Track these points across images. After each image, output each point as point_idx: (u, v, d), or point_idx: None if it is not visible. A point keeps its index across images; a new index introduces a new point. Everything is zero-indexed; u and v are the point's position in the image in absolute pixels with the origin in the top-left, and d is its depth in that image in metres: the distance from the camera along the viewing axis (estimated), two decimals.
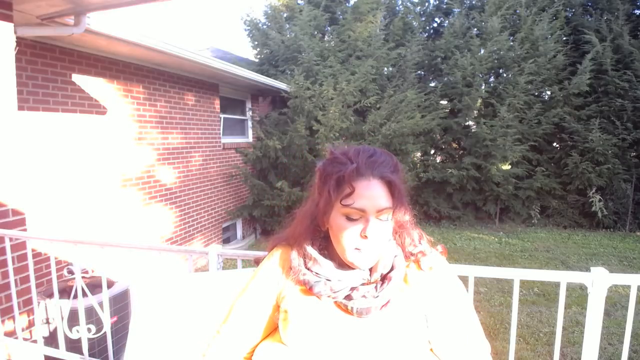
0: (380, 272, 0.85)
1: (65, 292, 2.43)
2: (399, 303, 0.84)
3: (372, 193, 0.78)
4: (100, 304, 1.99)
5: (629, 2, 6.66)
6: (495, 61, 7.09)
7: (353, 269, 0.85)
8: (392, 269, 0.86)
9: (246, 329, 0.91)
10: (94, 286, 2.44)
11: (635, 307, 1.37)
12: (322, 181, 0.84)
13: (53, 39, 3.12)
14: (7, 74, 2.19)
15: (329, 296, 0.83)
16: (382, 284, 0.83)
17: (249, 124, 6.91)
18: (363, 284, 0.84)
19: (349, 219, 0.80)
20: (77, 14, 2.49)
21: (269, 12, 7.73)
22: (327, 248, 0.89)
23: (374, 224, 0.79)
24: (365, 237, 0.79)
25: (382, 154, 0.82)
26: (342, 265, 0.86)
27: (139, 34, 3.37)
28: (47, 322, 2.39)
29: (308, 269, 0.86)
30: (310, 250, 0.88)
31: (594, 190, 6.52)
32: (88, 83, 3.56)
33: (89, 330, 2.10)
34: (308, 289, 0.85)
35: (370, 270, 0.86)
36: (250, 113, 6.90)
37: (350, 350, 0.80)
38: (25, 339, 2.22)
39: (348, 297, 0.83)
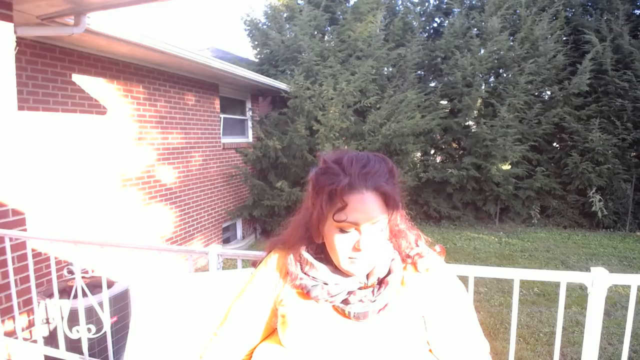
0: (377, 276, 0.85)
1: (65, 292, 2.43)
2: (397, 306, 0.84)
3: (365, 207, 0.77)
4: (100, 304, 1.99)
5: (629, 2, 6.65)
6: (495, 61, 7.09)
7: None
8: (389, 272, 0.86)
9: (243, 332, 0.91)
10: (94, 286, 2.44)
11: (635, 307, 1.37)
12: (314, 192, 0.82)
13: (53, 39, 3.12)
14: (7, 74, 2.19)
15: (326, 300, 0.83)
16: (379, 288, 0.83)
17: (249, 124, 6.91)
18: (360, 288, 0.84)
19: (343, 230, 0.79)
20: (77, 14, 2.48)
21: (269, 12, 7.73)
22: (323, 252, 0.88)
23: (367, 236, 0.78)
24: (359, 249, 0.78)
25: (377, 162, 0.80)
26: (339, 269, 0.85)
27: (138, 34, 3.37)
28: (47, 322, 2.39)
29: (305, 274, 0.86)
30: (307, 255, 0.88)
31: (594, 190, 6.52)
32: (88, 83, 3.56)
33: (89, 330, 2.10)
34: (305, 293, 0.85)
35: (367, 274, 0.86)
36: (250, 113, 6.90)
37: (349, 354, 0.80)
38: (25, 339, 2.22)
39: (345, 302, 0.83)
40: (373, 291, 0.83)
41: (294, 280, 0.86)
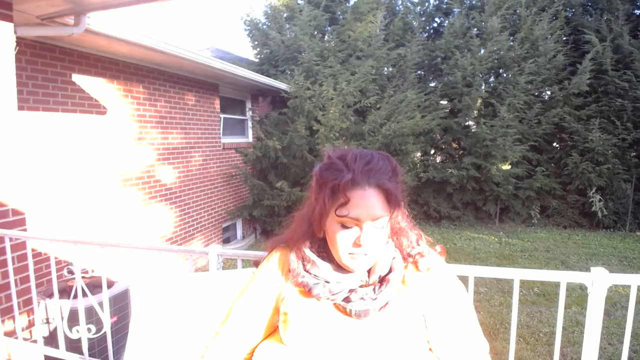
0: (379, 274, 0.86)
1: (65, 292, 2.43)
2: (397, 304, 0.85)
3: (367, 203, 0.77)
4: (100, 304, 1.99)
5: (629, 2, 6.65)
6: (495, 61, 7.09)
7: (351, 271, 0.85)
8: (390, 271, 0.86)
9: (245, 331, 0.91)
10: (94, 286, 2.44)
11: (635, 307, 1.37)
12: (318, 187, 0.83)
13: (53, 39, 3.12)
14: (7, 74, 2.18)
15: (327, 298, 0.83)
16: (380, 286, 0.84)
17: (249, 124, 6.91)
18: (361, 286, 0.85)
19: (344, 226, 0.80)
20: (77, 14, 2.48)
21: (269, 12, 7.73)
22: (325, 250, 0.89)
23: (368, 232, 0.79)
24: (360, 245, 0.79)
25: (380, 160, 0.81)
26: (340, 267, 0.86)
27: (138, 34, 3.37)
28: (47, 322, 2.39)
29: (307, 272, 0.86)
30: (309, 252, 0.88)
31: (594, 190, 6.52)
32: (88, 83, 3.56)
33: (89, 330, 2.09)
34: (307, 291, 0.85)
35: (369, 272, 0.87)
36: (250, 113, 6.90)
37: (350, 352, 0.81)
38: (25, 339, 2.22)
39: (347, 299, 0.83)
40: (374, 289, 0.84)
41: (296, 278, 0.87)
